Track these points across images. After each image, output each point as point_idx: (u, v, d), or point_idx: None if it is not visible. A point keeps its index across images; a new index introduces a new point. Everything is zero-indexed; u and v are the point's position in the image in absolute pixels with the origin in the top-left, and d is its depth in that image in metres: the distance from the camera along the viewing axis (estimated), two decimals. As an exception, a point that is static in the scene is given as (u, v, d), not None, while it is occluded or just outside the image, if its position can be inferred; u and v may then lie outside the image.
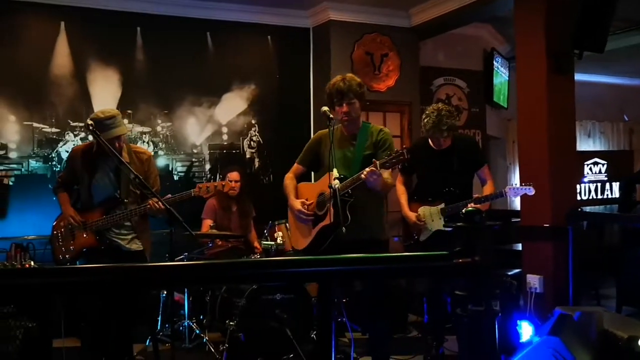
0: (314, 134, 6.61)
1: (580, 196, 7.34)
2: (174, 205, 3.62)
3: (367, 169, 3.25)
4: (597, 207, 7.72)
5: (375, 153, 3.57)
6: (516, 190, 4.05)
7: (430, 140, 4.27)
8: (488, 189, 4.21)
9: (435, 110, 4.12)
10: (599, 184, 7.63)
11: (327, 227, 3.46)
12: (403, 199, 4.40)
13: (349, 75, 3.65)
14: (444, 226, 4.13)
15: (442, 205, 4.20)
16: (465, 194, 4.22)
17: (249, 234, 5.48)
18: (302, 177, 3.87)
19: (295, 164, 3.87)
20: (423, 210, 4.26)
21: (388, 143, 3.61)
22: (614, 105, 9.94)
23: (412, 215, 4.28)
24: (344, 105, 3.55)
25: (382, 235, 3.67)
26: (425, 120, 4.15)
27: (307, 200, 3.66)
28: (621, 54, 7.39)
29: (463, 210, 1.52)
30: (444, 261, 1.53)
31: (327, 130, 3.68)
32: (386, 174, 3.39)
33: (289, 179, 3.81)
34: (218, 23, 6.32)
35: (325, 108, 3.50)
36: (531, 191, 4.03)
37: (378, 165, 3.24)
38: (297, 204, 3.63)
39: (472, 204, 4.02)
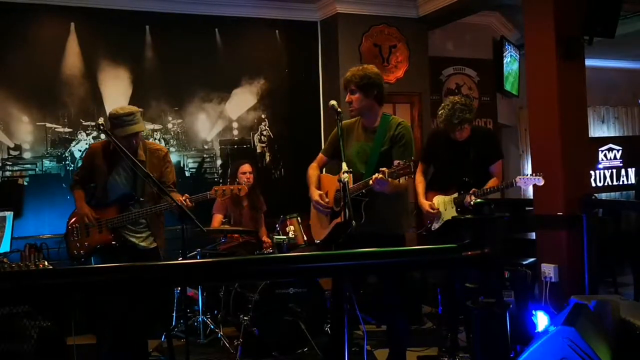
0: (324, 127, 6.63)
1: (595, 183, 7.26)
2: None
3: (375, 176, 3.23)
4: (613, 193, 7.64)
5: (391, 148, 3.51)
6: (526, 181, 4.06)
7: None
8: (491, 183, 4.19)
9: (450, 103, 4.15)
10: (614, 170, 7.54)
11: (340, 224, 3.42)
12: (420, 187, 4.40)
13: (365, 66, 3.58)
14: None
15: (456, 195, 4.22)
16: (480, 185, 4.19)
17: (259, 228, 5.49)
18: (328, 168, 3.86)
19: (320, 154, 3.86)
20: (437, 199, 4.29)
21: (405, 139, 3.50)
22: (628, 90, 9.82)
23: (425, 204, 4.30)
24: (347, 95, 3.54)
25: (398, 229, 3.61)
26: (440, 112, 4.19)
27: (326, 192, 3.64)
28: (633, 38, 7.28)
29: (472, 202, 1.51)
30: (453, 254, 1.52)
31: (352, 120, 3.68)
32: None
33: (312, 169, 3.78)
34: (226, 19, 6.33)
35: (333, 102, 3.47)
36: (540, 181, 4.03)
37: (387, 174, 3.21)
38: (315, 194, 3.61)
39: (474, 197, 4.01)
